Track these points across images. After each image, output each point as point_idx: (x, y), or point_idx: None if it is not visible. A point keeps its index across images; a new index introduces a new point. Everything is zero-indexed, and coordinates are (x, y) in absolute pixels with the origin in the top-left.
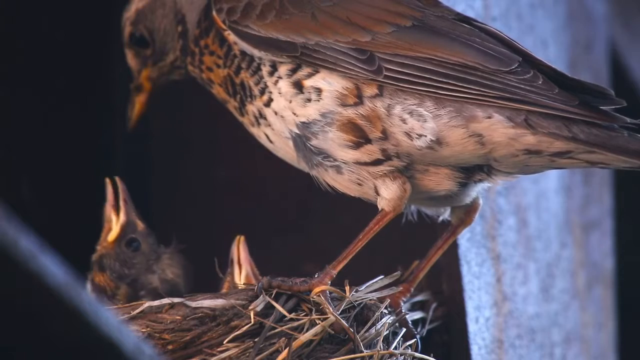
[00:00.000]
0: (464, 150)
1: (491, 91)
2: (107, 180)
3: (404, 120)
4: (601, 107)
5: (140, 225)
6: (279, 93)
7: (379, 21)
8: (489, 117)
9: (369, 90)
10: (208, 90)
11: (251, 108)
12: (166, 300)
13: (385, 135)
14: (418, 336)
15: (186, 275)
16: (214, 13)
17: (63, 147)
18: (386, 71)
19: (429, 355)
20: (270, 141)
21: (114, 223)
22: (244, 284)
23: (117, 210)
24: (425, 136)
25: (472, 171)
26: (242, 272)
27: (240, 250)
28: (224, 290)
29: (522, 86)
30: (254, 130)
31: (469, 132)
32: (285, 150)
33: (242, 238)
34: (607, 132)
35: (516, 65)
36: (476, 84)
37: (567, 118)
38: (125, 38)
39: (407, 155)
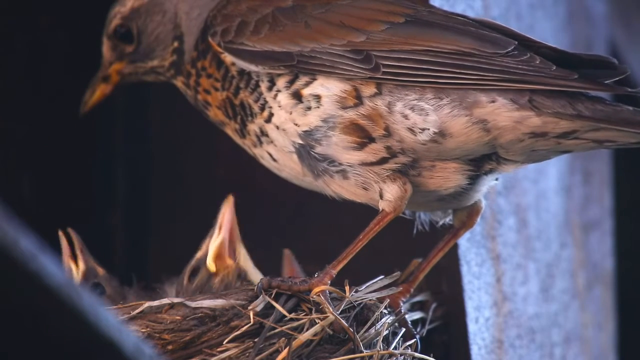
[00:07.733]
0: (468, 139)
1: (490, 74)
2: (60, 233)
3: (405, 116)
4: (604, 81)
5: (100, 270)
6: (279, 106)
7: (372, 21)
8: (493, 101)
9: (368, 90)
10: (201, 113)
11: (252, 127)
12: (166, 301)
13: (388, 132)
14: (418, 336)
15: None
16: (209, 38)
17: (63, 146)
18: (384, 68)
19: (429, 355)
20: (274, 159)
21: (75, 272)
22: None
23: (75, 259)
24: (428, 129)
25: (480, 162)
26: (218, 239)
27: (225, 212)
28: (200, 254)
29: (521, 66)
30: (257, 151)
31: (473, 119)
32: (290, 166)
33: (231, 198)
34: (611, 107)
35: (512, 48)
36: (474, 69)
37: (571, 96)
38: (109, 29)
39: (412, 151)
